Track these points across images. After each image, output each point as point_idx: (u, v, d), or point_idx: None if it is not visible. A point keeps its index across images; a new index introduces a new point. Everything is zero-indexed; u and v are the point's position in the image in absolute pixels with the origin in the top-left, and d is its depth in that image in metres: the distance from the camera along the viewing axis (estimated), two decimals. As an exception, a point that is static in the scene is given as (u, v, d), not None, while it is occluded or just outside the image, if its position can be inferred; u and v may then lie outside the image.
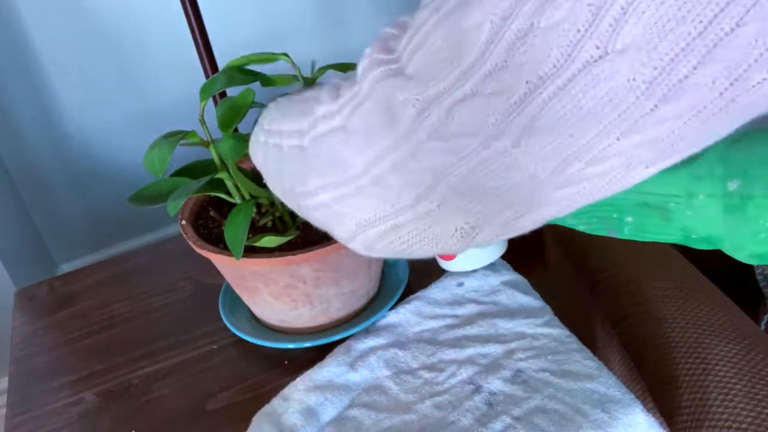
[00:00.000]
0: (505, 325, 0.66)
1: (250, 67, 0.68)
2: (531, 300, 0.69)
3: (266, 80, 0.68)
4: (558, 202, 0.33)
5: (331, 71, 0.69)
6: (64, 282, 0.87)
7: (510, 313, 0.68)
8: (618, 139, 0.29)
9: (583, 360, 0.61)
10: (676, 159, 0.30)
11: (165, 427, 0.65)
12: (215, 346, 0.72)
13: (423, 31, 0.32)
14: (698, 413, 0.58)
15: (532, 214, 0.33)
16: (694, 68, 0.26)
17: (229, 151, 0.64)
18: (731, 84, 0.26)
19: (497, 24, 0.28)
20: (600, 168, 0.30)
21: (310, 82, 0.69)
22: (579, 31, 0.27)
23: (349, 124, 0.36)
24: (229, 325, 0.71)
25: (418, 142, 0.32)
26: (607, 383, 0.59)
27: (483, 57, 0.29)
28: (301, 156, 0.40)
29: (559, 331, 0.65)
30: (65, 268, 1.76)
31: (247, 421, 0.62)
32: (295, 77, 0.69)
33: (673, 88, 0.27)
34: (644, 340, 0.66)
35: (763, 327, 0.71)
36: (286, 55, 0.67)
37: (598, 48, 0.27)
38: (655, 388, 0.64)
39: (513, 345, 0.64)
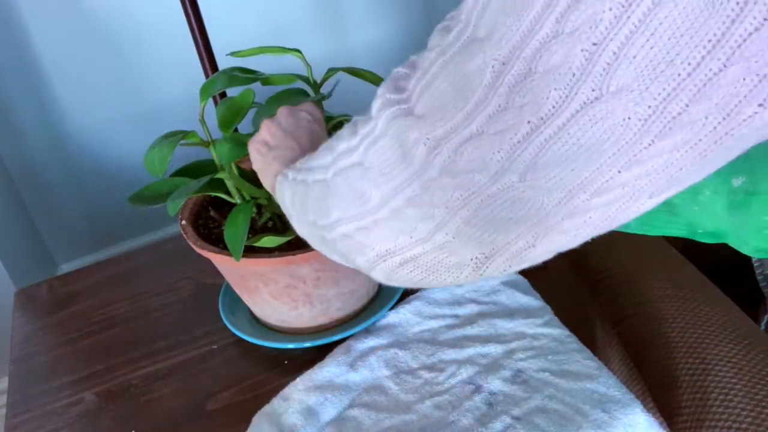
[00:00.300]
0: (505, 325, 0.66)
1: (251, 66, 0.68)
2: (531, 300, 0.69)
3: (267, 80, 0.68)
4: (567, 232, 0.34)
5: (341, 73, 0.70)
6: (64, 282, 0.87)
7: (510, 313, 0.68)
8: (619, 172, 0.30)
9: (583, 360, 0.61)
10: (678, 188, 0.32)
11: (165, 427, 0.65)
12: (215, 346, 0.72)
13: (430, 73, 0.34)
14: (698, 413, 0.58)
15: (543, 243, 0.35)
16: (687, 106, 0.27)
17: (227, 154, 0.64)
18: (723, 119, 0.28)
19: (498, 68, 0.30)
20: (604, 199, 0.32)
21: (316, 87, 0.69)
22: (575, 74, 0.28)
23: (366, 160, 0.38)
24: (229, 325, 0.71)
25: (431, 178, 0.34)
26: (607, 383, 0.59)
27: (486, 99, 0.31)
28: (324, 190, 0.42)
29: (559, 331, 0.65)
30: (65, 268, 1.76)
31: (247, 421, 0.62)
32: (296, 76, 0.69)
33: (667, 125, 0.28)
34: (644, 340, 0.66)
35: (763, 327, 0.71)
36: (298, 51, 0.67)
37: (593, 90, 0.28)
38: (655, 388, 0.64)
39: (513, 345, 0.64)
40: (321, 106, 0.67)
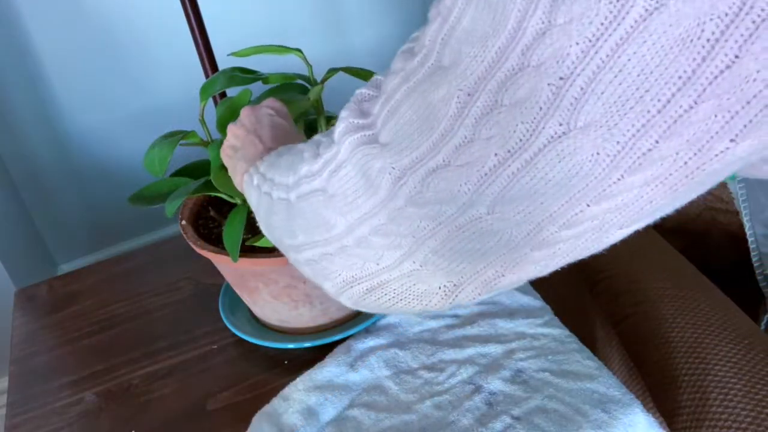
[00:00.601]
0: (505, 325, 0.66)
1: (251, 66, 0.68)
2: (531, 300, 0.69)
3: (267, 80, 0.68)
4: (537, 262, 0.34)
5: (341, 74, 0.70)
6: (64, 282, 0.87)
7: (510, 313, 0.68)
8: (588, 206, 0.30)
9: (583, 360, 0.61)
10: (649, 220, 0.32)
11: (165, 427, 0.65)
12: (215, 346, 0.72)
13: (395, 99, 0.34)
14: (698, 413, 0.58)
15: (513, 273, 0.35)
16: (657, 142, 0.27)
17: (216, 157, 0.63)
18: (695, 154, 0.27)
19: (463, 99, 0.30)
20: (574, 231, 0.32)
21: (316, 85, 0.69)
22: (541, 108, 0.28)
23: (329, 187, 0.37)
24: (229, 325, 0.71)
25: (396, 207, 0.34)
26: (607, 383, 0.59)
27: (452, 130, 0.30)
28: (288, 211, 0.42)
29: (559, 331, 0.65)
30: (65, 268, 1.76)
31: (247, 421, 0.62)
32: (296, 76, 0.69)
33: (637, 161, 0.28)
34: (644, 340, 0.66)
35: (763, 327, 0.71)
36: (299, 50, 0.67)
37: (561, 125, 0.27)
38: (655, 387, 0.64)
39: (513, 345, 0.64)
40: (320, 101, 0.67)
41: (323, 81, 0.69)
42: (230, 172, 0.56)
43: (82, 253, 1.78)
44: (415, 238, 0.34)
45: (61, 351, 0.76)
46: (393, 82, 0.34)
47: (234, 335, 0.72)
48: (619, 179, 0.28)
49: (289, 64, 0.72)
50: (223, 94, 1.11)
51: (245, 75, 0.67)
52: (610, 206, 0.30)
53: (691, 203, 0.81)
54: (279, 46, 0.68)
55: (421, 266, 0.35)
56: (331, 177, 0.37)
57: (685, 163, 0.27)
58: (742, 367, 0.59)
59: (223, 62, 0.71)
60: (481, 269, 0.34)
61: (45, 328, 0.79)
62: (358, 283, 0.39)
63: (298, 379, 0.64)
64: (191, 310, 0.78)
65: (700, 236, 0.80)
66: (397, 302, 0.39)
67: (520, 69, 0.28)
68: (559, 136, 0.28)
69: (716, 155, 0.27)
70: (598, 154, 0.28)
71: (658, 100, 0.26)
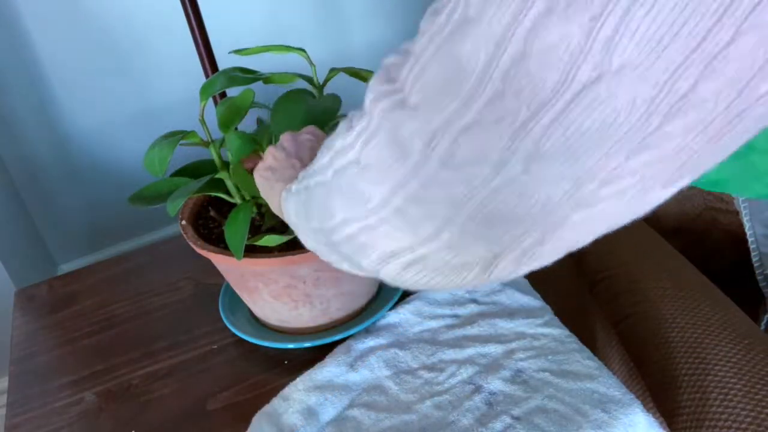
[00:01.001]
0: (505, 325, 0.66)
1: (250, 66, 0.68)
2: (531, 300, 0.69)
3: (267, 80, 0.68)
4: (576, 227, 0.32)
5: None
6: (64, 282, 0.87)
7: (510, 313, 0.68)
8: (627, 159, 0.28)
9: (583, 360, 0.61)
10: (692, 176, 0.30)
11: (165, 427, 0.65)
12: (215, 346, 0.72)
13: (422, 60, 0.32)
14: (698, 413, 0.58)
15: (552, 240, 0.33)
16: (695, 83, 0.25)
17: (237, 149, 0.64)
18: (737, 96, 0.26)
19: (491, 51, 0.28)
20: (614, 188, 0.30)
21: (319, 87, 0.69)
22: (573, 53, 0.26)
23: (362, 158, 0.36)
24: (229, 325, 0.71)
25: (430, 173, 0.32)
26: (607, 383, 0.59)
27: (481, 85, 0.29)
28: (326, 191, 0.41)
29: (559, 331, 0.65)
30: (65, 268, 1.76)
31: (247, 421, 0.62)
32: (297, 75, 0.69)
33: (675, 105, 0.26)
34: (644, 340, 0.66)
35: (762, 327, 0.71)
36: (302, 50, 0.67)
37: (593, 69, 0.26)
38: (655, 387, 0.64)
39: (513, 345, 0.64)
40: (337, 107, 0.67)
41: (325, 82, 0.69)
42: (264, 193, 0.56)
43: (82, 253, 1.79)
44: (451, 203, 0.33)
45: (61, 351, 0.76)
46: (420, 42, 0.33)
47: (234, 335, 0.72)
48: (657, 127, 0.27)
49: (290, 64, 0.72)
50: (223, 95, 1.11)
51: (246, 75, 0.67)
52: (649, 158, 0.28)
53: (691, 203, 0.81)
54: (283, 45, 0.67)
55: (459, 236, 0.34)
56: (364, 147, 0.36)
57: (727, 106, 0.26)
58: (742, 367, 0.59)
59: (223, 62, 0.71)
60: (520, 235, 0.33)
61: (45, 328, 0.80)
62: (397, 258, 0.37)
63: (298, 379, 0.64)
64: (191, 310, 0.78)
65: (700, 236, 0.80)
66: (435, 277, 0.38)
67: (548, 12, 0.26)
68: (592, 82, 0.26)
69: (759, 97, 0.26)
70: (634, 99, 0.26)
71: (695, 36, 0.24)
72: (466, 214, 0.33)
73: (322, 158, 0.42)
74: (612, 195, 0.30)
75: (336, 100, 0.67)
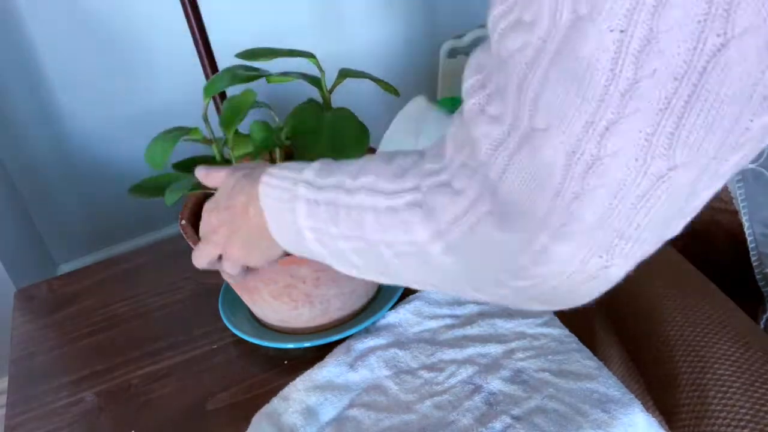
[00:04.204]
0: (505, 325, 0.66)
1: (252, 65, 0.68)
2: (531, 300, 0.69)
3: (270, 78, 0.67)
4: (701, 205, 0.34)
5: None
6: (64, 282, 0.87)
7: (510, 312, 0.68)
8: (752, 120, 0.29)
9: (583, 360, 0.62)
10: None
11: (165, 427, 0.65)
12: (215, 346, 0.72)
13: (535, 79, 0.32)
14: (697, 411, 0.58)
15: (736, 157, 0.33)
16: None
17: (262, 141, 0.64)
18: None
19: (618, 38, 0.28)
20: (740, 154, 0.31)
21: (324, 91, 0.68)
22: (699, 23, 0.27)
23: (496, 208, 0.35)
24: (229, 325, 0.71)
25: (574, 193, 0.32)
26: (606, 383, 0.59)
27: (614, 77, 0.29)
28: (446, 257, 0.40)
29: (559, 331, 0.65)
30: (65, 268, 1.76)
31: (247, 421, 0.62)
32: (298, 75, 0.69)
33: None
34: (644, 339, 0.66)
35: (761, 326, 0.71)
36: (312, 55, 0.66)
37: (719, 36, 0.27)
38: (655, 386, 0.64)
39: (513, 345, 0.64)
40: (328, 102, 0.67)
41: (333, 87, 0.68)
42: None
43: (82, 253, 1.78)
44: (600, 217, 0.33)
45: (61, 351, 0.76)
46: (519, 63, 0.32)
47: (234, 335, 0.72)
48: None
49: (291, 63, 0.72)
50: (222, 94, 1.11)
51: (249, 73, 0.67)
52: None
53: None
54: (291, 49, 0.67)
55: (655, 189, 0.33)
56: (494, 196, 0.35)
57: None
58: (741, 366, 0.59)
59: (223, 62, 0.71)
60: (664, 230, 0.34)
61: (45, 328, 0.80)
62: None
63: (297, 379, 0.64)
64: (191, 310, 0.78)
65: (700, 236, 0.80)
66: (591, 293, 0.39)
67: None
68: (719, 49, 0.27)
69: None
70: (759, 56, 0.27)
71: None
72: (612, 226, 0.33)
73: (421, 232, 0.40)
74: (734, 165, 0.31)
75: (350, 118, 0.67)
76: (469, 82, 0.37)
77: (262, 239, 0.53)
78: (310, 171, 0.49)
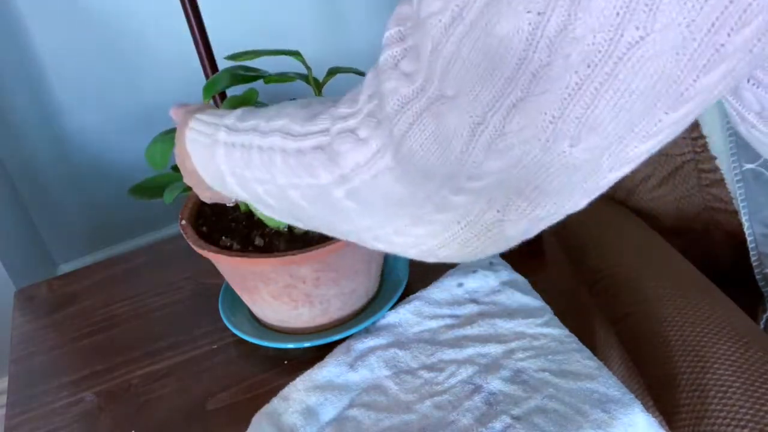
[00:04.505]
0: (505, 325, 0.66)
1: (254, 64, 0.68)
2: (531, 300, 0.69)
3: (269, 79, 0.68)
4: (610, 183, 0.33)
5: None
6: (64, 282, 0.87)
7: (510, 313, 0.68)
8: (666, 113, 0.29)
9: (583, 360, 0.62)
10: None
11: (165, 427, 0.65)
12: (215, 346, 0.72)
13: (447, 46, 0.32)
14: (697, 411, 0.58)
15: (587, 198, 0.34)
16: (729, 35, 0.27)
17: None
18: (758, 40, 0.27)
19: (534, 20, 0.28)
20: (650, 144, 0.31)
21: (318, 85, 0.69)
22: (618, 14, 0.27)
23: (398, 165, 0.35)
24: (229, 325, 0.71)
25: (475, 162, 0.32)
26: (606, 383, 0.59)
27: (527, 57, 0.29)
28: (341, 204, 0.40)
29: (559, 331, 0.65)
30: (65, 268, 1.76)
31: (247, 421, 0.62)
32: (296, 75, 0.69)
33: (711, 58, 0.27)
34: (643, 339, 0.66)
35: (761, 326, 0.71)
36: (298, 53, 0.66)
37: (638, 29, 0.27)
38: (655, 386, 0.64)
39: (513, 345, 0.64)
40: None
41: (323, 84, 0.69)
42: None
43: (82, 253, 1.79)
44: (498, 184, 0.33)
45: (61, 351, 0.76)
46: (435, 26, 0.32)
47: (234, 335, 0.72)
48: (695, 80, 0.28)
49: (291, 64, 0.72)
50: (222, 94, 1.11)
51: (248, 73, 0.67)
52: (686, 110, 0.29)
53: (691, 203, 0.81)
54: (276, 49, 0.67)
55: (503, 215, 0.35)
56: (397, 152, 0.35)
57: (751, 50, 0.27)
58: (741, 366, 0.59)
59: (223, 62, 0.71)
60: (564, 200, 0.34)
61: (45, 328, 0.80)
62: (441, 249, 0.38)
63: (297, 379, 0.64)
64: (191, 310, 0.78)
65: (699, 236, 0.80)
66: (485, 249, 0.38)
67: None
68: (637, 42, 0.27)
69: None
70: (677, 54, 0.27)
71: None
72: (512, 191, 0.33)
73: (320, 176, 0.40)
74: (645, 152, 0.31)
75: None
76: (390, 32, 0.37)
77: (202, 180, 0.55)
78: (231, 116, 0.49)
